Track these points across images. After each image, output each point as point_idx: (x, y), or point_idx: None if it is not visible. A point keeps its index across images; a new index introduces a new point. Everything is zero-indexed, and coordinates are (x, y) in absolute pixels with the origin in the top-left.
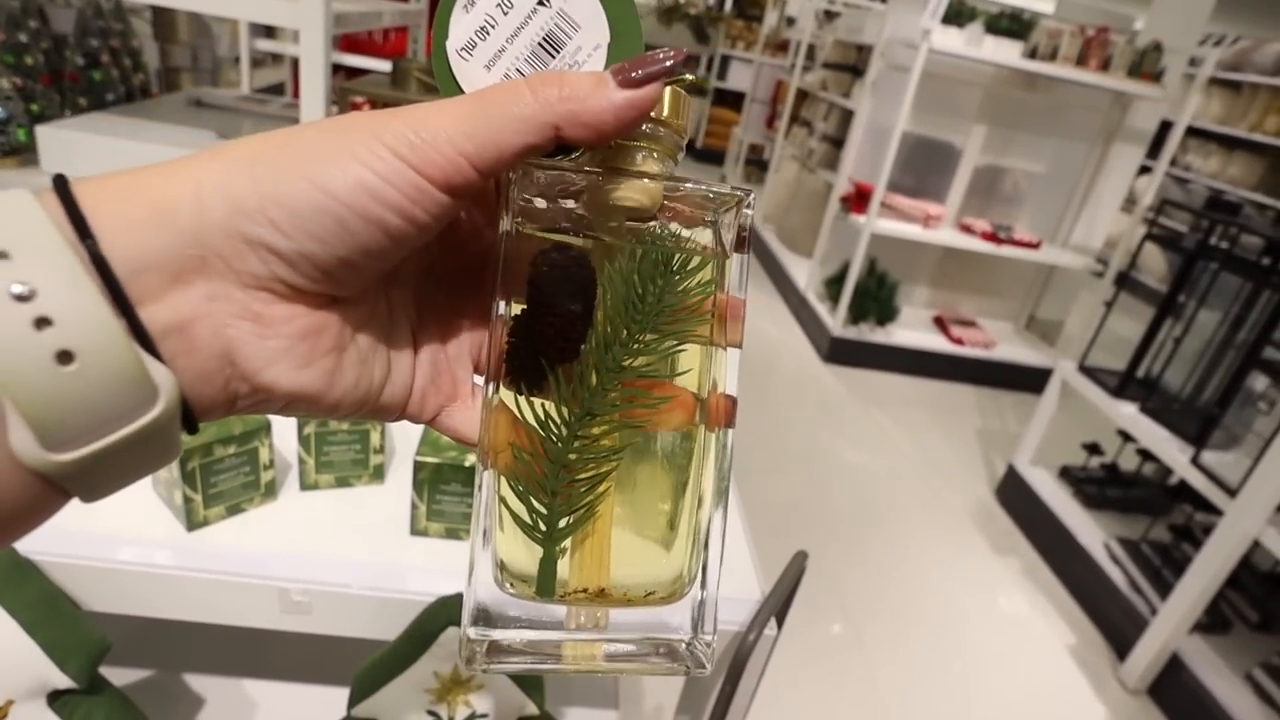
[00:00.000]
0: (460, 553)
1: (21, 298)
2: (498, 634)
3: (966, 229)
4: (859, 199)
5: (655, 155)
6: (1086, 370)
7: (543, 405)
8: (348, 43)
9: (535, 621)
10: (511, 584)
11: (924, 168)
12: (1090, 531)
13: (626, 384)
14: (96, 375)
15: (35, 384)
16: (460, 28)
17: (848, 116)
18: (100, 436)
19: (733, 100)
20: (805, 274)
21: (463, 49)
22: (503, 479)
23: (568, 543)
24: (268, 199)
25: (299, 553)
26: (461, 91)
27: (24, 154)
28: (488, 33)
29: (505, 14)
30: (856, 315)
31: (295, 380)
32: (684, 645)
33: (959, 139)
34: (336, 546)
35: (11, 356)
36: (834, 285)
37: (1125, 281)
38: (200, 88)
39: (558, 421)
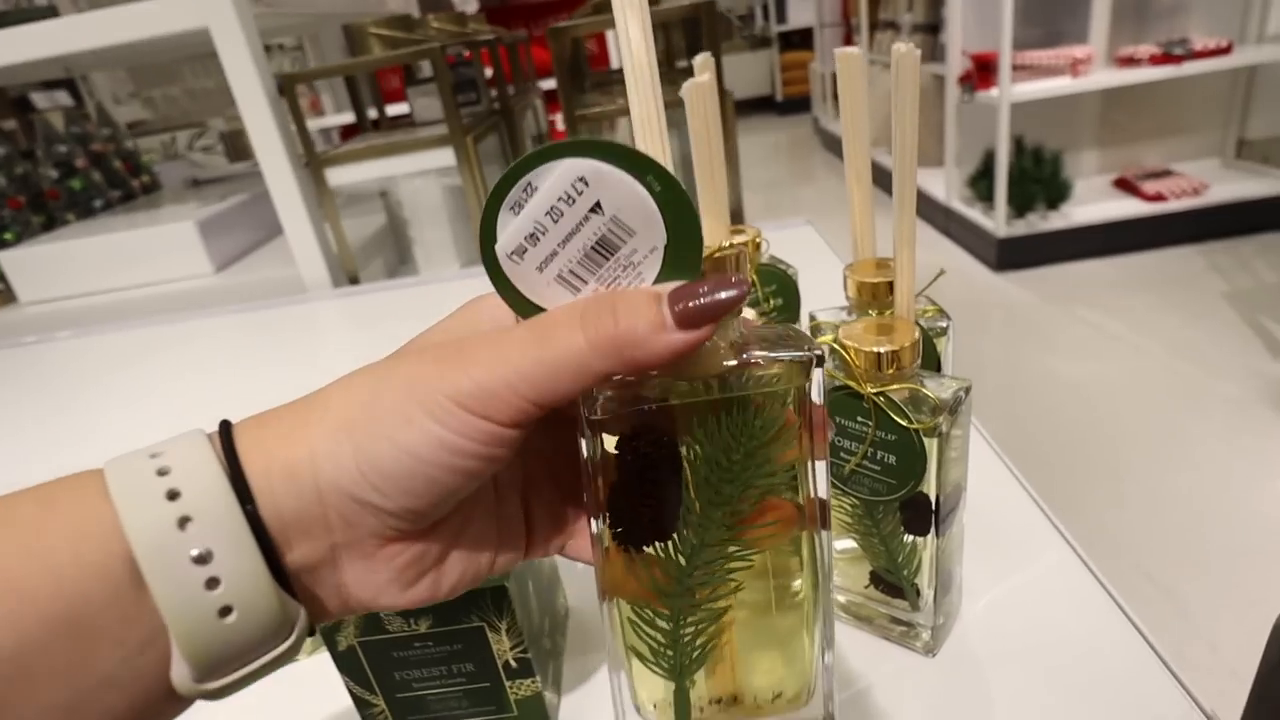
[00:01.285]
0: None
1: (200, 560)
2: None
3: (1128, 61)
4: (982, 73)
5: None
6: None
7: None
8: None
9: None
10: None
11: (1050, 9)
12: None
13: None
14: (249, 623)
15: (200, 633)
16: (509, 233)
17: None
18: (242, 665)
19: (800, 40)
20: (941, 183)
21: (513, 253)
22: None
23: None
24: (366, 465)
25: None
26: (514, 290)
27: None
28: (538, 239)
29: (555, 221)
30: (1021, 206)
31: (402, 599)
32: None
33: None
34: None
35: (185, 610)
36: (981, 182)
37: None
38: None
39: (667, 579)
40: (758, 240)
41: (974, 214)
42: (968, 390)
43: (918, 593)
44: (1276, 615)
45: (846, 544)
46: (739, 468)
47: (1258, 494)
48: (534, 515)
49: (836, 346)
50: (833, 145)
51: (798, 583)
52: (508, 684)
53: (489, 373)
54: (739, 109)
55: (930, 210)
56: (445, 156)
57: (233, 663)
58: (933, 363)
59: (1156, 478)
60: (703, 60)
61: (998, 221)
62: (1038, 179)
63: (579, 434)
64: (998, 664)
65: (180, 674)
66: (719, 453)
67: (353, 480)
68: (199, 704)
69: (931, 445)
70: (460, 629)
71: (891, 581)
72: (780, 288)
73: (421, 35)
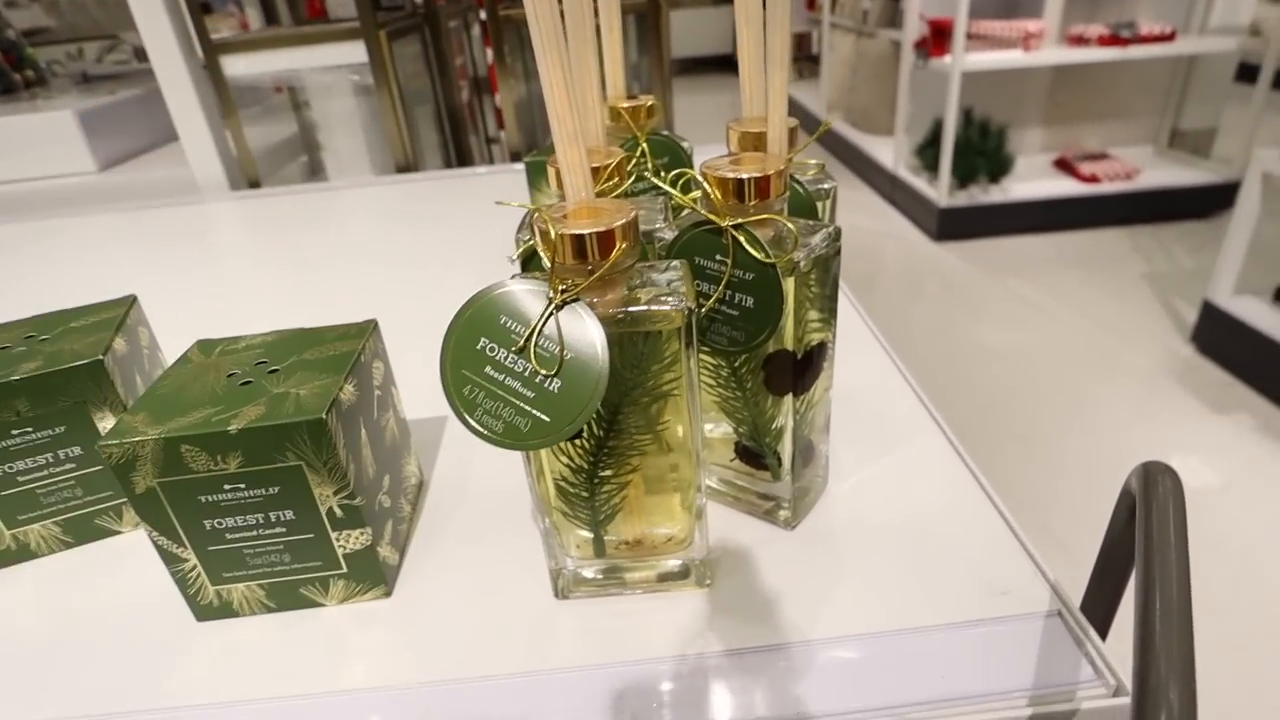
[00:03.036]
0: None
1: None
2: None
3: (1078, 40)
4: (938, 39)
5: None
6: None
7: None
8: None
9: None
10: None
11: None
12: None
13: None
14: None
15: None
16: None
17: None
18: None
19: None
20: (889, 151)
21: None
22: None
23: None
24: None
25: None
26: None
27: None
28: None
29: None
30: (963, 177)
31: None
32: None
33: None
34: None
35: None
36: (928, 151)
37: None
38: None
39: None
40: (650, 104)
41: (919, 183)
42: (837, 234)
43: (779, 461)
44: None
45: (719, 427)
46: (630, 383)
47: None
48: None
49: (699, 175)
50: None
51: (680, 457)
52: (334, 535)
53: None
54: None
55: (877, 178)
56: (357, 51)
57: None
58: None
59: (1064, 441)
60: None
61: (940, 191)
62: (982, 151)
63: None
64: (856, 538)
65: None
66: (620, 370)
67: None
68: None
69: (790, 286)
70: (275, 468)
71: (754, 450)
72: (673, 160)
73: None
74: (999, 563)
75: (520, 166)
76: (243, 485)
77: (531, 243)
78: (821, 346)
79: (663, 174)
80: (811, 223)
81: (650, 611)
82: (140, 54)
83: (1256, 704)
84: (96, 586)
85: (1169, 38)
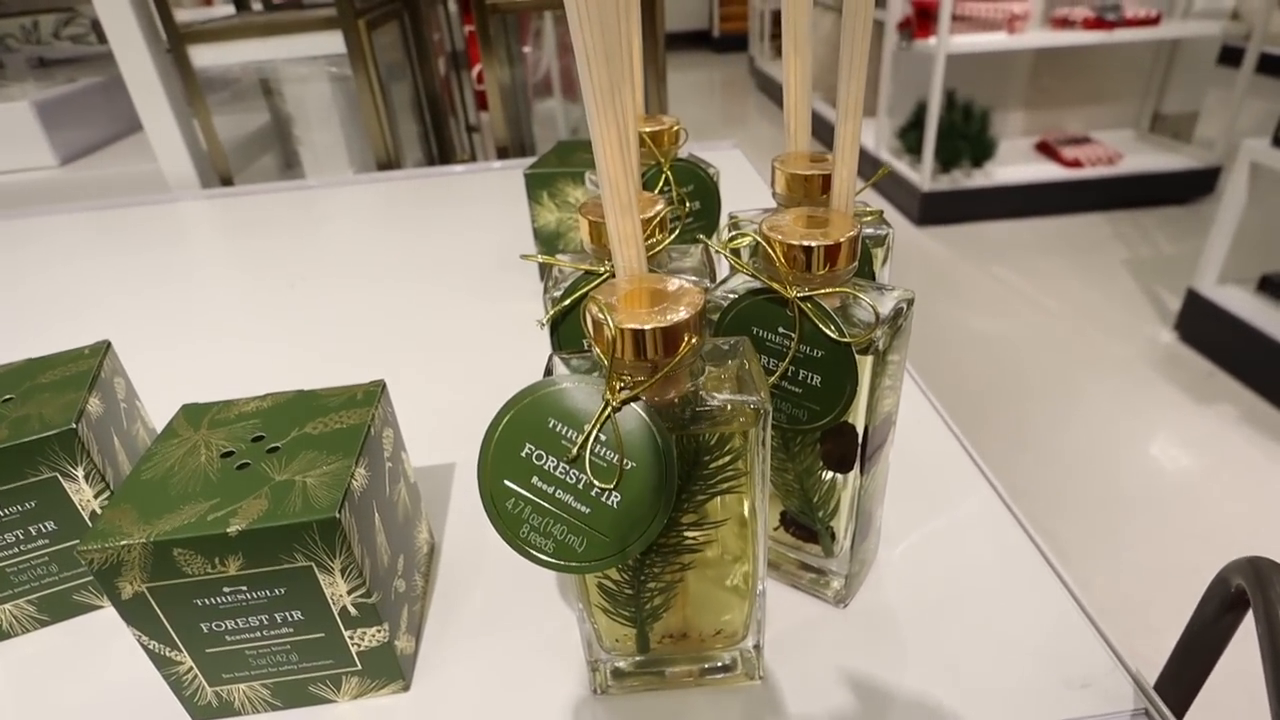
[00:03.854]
0: None
1: None
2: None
3: (1062, 22)
4: (921, 20)
5: None
6: None
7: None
8: None
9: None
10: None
11: None
12: None
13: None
14: None
15: None
16: None
17: None
18: None
19: None
20: (871, 134)
21: None
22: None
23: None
24: None
25: None
26: None
27: None
28: None
29: None
30: (946, 161)
31: None
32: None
33: None
34: None
35: None
36: (910, 134)
37: None
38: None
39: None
40: (675, 129)
41: (901, 166)
42: (910, 303)
43: (833, 537)
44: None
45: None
46: (692, 482)
47: (1136, 450)
48: None
49: (759, 238)
50: (768, 88)
51: (739, 548)
52: (347, 634)
53: None
54: (675, 44)
55: (859, 160)
56: (334, 42)
57: None
58: (868, 275)
59: (1049, 429)
60: None
61: (923, 175)
62: (965, 135)
63: None
64: (913, 615)
65: None
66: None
67: None
68: None
69: (865, 365)
70: (282, 569)
71: (804, 524)
72: (698, 188)
73: None
74: (1071, 645)
75: (504, 165)
76: (244, 588)
77: (563, 307)
78: (887, 420)
79: (687, 203)
80: (883, 289)
81: (699, 708)
82: (99, 29)
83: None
84: (78, 671)
85: (1154, 21)
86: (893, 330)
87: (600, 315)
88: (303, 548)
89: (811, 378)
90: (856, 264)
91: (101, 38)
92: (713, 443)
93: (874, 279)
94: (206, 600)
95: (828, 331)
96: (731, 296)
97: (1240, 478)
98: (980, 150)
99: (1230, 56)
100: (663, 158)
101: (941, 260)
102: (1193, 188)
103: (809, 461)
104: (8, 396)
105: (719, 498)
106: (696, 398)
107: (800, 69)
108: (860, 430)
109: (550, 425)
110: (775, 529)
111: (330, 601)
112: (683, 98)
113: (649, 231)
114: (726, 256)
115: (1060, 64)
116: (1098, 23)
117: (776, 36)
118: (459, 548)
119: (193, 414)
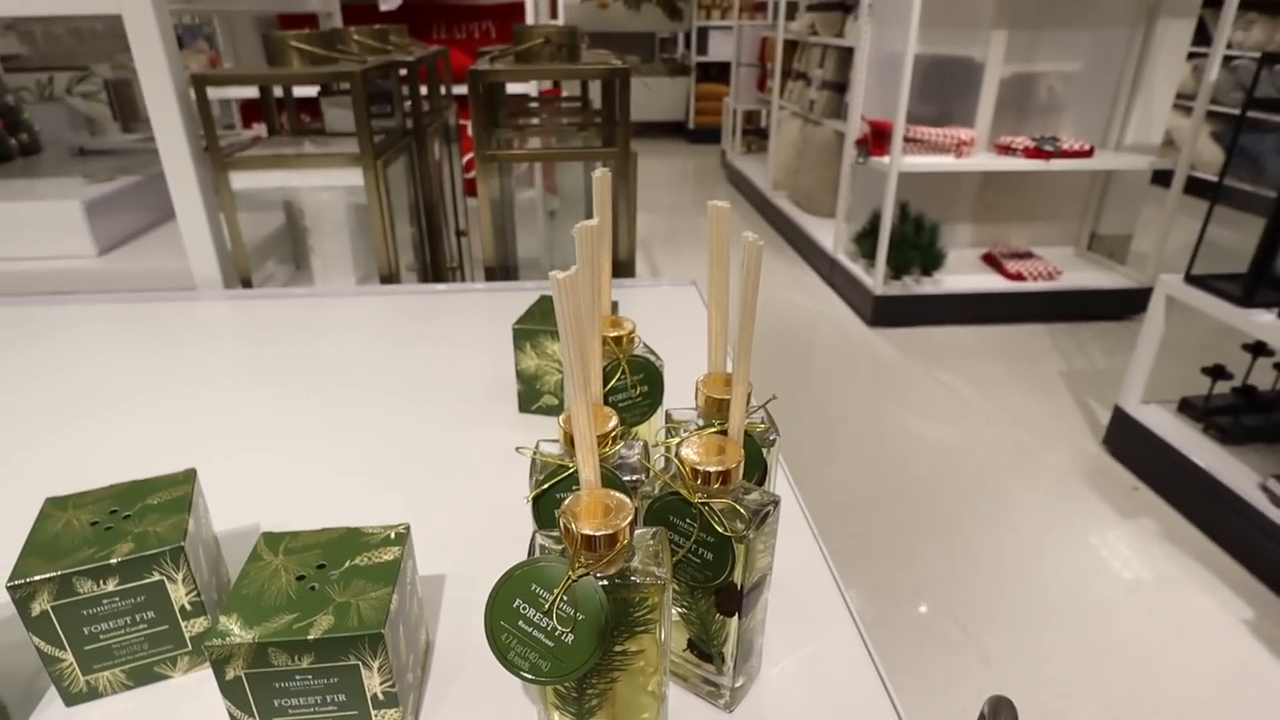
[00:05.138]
0: None
1: None
2: None
3: (1005, 149)
4: (878, 139)
5: None
6: (1196, 280)
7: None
8: None
9: None
10: None
11: (944, 91)
12: (1236, 472)
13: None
14: None
15: None
16: None
17: (846, 57)
18: None
19: (718, 73)
20: (830, 235)
21: None
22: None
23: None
24: None
25: None
26: None
27: None
28: None
29: None
30: (898, 268)
31: None
32: None
33: (978, 51)
34: None
35: None
36: (866, 240)
37: (1219, 185)
38: (102, 135)
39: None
40: (632, 335)
41: (856, 269)
42: (776, 504)
43: (723, 660)
44: (1123, 691)
45: (673, 616)
46: (619, 622)
47: (1063, 560)
48: None
49: (675, 461)
50: (736, 180)
51: (653, 664)
52: (374, 713)
53: None
54: (652, 131)
55: (818, 259)
56: (354, 176)
57: None
58: (759, 468)
59: (981, 534)
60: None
61: (876, 280)
62: (916, 245)
63: None
64: (784, 717)
65: None
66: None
67: None
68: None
69: (740, 550)
70: (338, 665)
71: (703, 649)
72: (647, 377)
73: (343, 49)
74: None
75: (489, 287)
76: (310, 676)
77: (542, 488)
78: (762, 578)
79: (639, 387)
80: (760, 495)
81: None
82: (109, 87)
83: None
84: None
85: (1087, 154)
86: (759, 524)
87: (569, 522)
88: (356, 653)
89: (706, 554)
90: (740, 479)
91: (115, 104)
92: (636, 600)
93: (765, 471)
94: (282, 684)
95: (717, 527)
96: (655, 493)
97: (1159, 594)
98: (930, 260)
99: (1162, 178)
100: (621, 354)
101: (890, 361)
102: (1126, 305)
103: (706, 606)
104: (127, 514)
105: (638, 635)
106: (628, 571)
107: (718, 324)
108: (740, 587)
109: (532, 588)
110: (684, 650)
111: (366, 689)
112: (657, 184)
113: (604, 444)
114: (651, 469)
115: (1005, 184)
116: (1037, 152)
117: (747, 133)
118: (448, 646)
119: (271, 541)
